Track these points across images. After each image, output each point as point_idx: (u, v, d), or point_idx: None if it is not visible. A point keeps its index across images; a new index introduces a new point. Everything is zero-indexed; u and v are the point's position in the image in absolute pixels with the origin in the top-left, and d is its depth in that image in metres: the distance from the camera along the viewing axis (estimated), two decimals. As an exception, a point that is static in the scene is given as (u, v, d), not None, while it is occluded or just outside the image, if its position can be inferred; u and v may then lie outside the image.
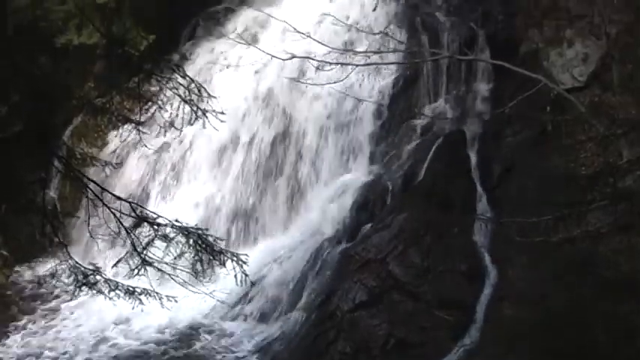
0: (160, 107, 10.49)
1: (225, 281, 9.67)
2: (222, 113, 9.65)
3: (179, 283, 9.35)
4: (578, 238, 11.71)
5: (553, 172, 13.72)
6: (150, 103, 10.82)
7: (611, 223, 10.93)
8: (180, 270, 9.28)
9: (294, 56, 11.13)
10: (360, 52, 12.33)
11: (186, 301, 10.38)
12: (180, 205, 16.92)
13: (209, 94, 9.46)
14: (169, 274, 9.30)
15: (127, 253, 9.24)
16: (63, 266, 9.21)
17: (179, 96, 9.33)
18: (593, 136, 12.46)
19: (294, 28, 10.99)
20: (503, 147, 15.33)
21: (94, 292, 9.39)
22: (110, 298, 9.44)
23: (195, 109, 9.43)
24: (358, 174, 16.39)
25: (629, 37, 11.66)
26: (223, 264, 9.31)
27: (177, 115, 15.31)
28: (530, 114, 13.91)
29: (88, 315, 15.31)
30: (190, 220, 14.23)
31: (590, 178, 12.53)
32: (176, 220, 9.19)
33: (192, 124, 16.88)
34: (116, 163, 13.50)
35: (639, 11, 10.80)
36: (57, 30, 18.60)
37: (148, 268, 9.25)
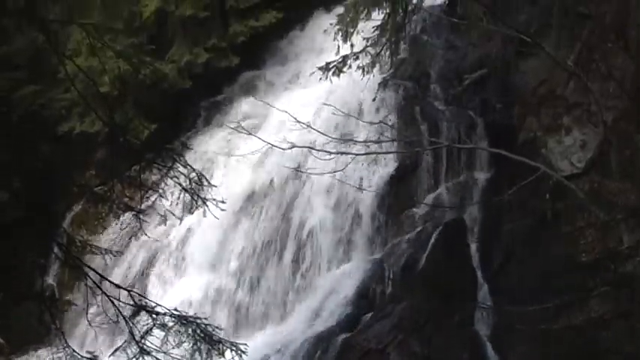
0: (161, 196, 10.53)
1: (225, 371, 9.55)
2: (223, 202, 9.69)
3: (177, 373, 9.24)
4: (581, 325, 11.63)
5: (554, 259, 13.69)
6: (150, 192, 10.85)
7: (613, 309, 10.87)
8: (179, 360, 9.18)
9: (294, 146, 11.22)
10: (360, 142, 12.41)
11: (184, 391, 10.23)
12: (180, 293, 16.83)
13: (210, 183, 9.51)
14: (167, 364, 9.20)
15: (124, 341, 9.15)
16: (60, 354, 9.11)
17: (180, 185, 9.36)
18: (593, 222, 12.47)
19: (295, 118, 11.09)
20: (503, 235, 15.32)
21: (91, 381, 9.28)
22: (107, 387, 9.32)
23: (195, 198, 9.46)
24: (358, 262, 16.32)
25: (626, 123, 11.76)
26: (222, 354, 9.22)
27: (177, 204, 15.40)
28: (530, 201, 13.93)
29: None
30: (189, 308, 14.20)
31: (591, 265, 12.51)
32: (175, 309, 9.12)
33: (192, 213, 17.03)
34: (116, 251, 13.48)
35: (635, 98, 10.92)
36: (60, 118, 18.85)
37: (146, 357, 9.15)
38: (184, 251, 17.77)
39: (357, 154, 11.80)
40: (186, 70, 19.68)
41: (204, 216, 10.07)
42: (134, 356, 9.08)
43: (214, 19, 20.02)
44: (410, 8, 16.17)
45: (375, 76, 17.21)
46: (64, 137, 18.43)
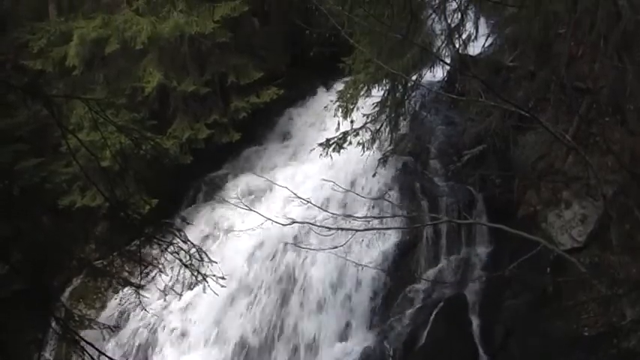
0: (161, 271, 10.50)
1: None
2: (223, 278, 9.68)
3: None
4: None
5: (556, 334, 13.61)
6: (150, 267, 10.83)
7: (618, 384, 10.78)
8: None
9: (294, 221, 11.21)
10: (360, 218, 12.45)
11: None
12: (179, 370, 16.69)
13: (210, 259, 9.51)
14: None
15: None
16: None
17: (180, 260, 9.36)
18: (595, 296, 12.44)
19: (295, 194, 11.12)
20: (504, 310, 15.26)
21: None
22: None
23: (195, 273, 9.45)
24: (359, 339, 16.19)
25: (625, 197, 11.82)
26: None
27: (177, 280, 15.33)
28: (531, 276, 13.91)
29: None
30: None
31: (594, 339, 12.42)
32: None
33: (192, 289, 16.95)
34: (114, 326, 13.39)
35: (633, 172, 11.03)
36: (61, 191, 18.88)
37: None
38: (184, 327, 17.61)
39: (357, 230, 11.78)
40: (188, 145, 19.80)
41: (204, 291, 10.04)
42: None
43: (215, 96, 20.23)
44: (409, 85, 16.35)
45: (375, 152, 17.32)
46: (64, 211, 18.44)
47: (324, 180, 15.57)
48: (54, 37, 20.35)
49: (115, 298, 18.06)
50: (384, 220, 14.63)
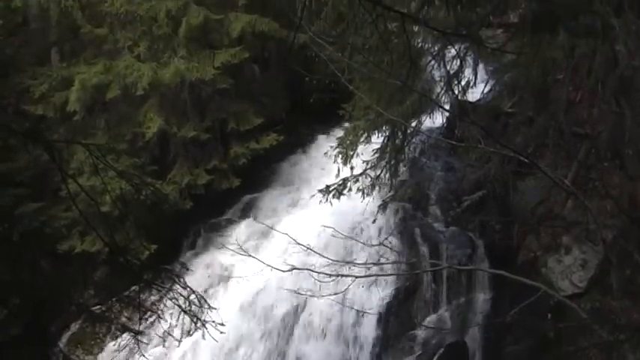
0: (160, 317, 10.48)
1: None
2: (222, 324, 9.64)
3: None
4: None
5: (557, 381, 13.55)
6: (149, 313, 10.80)
7: None
8: None
9: (294, 268, 11.18)
10: (360, 264, 12.40)
11: None
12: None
13: (209, 306, 9.49)
14: None
15: None
16: None
17: (179, 306, 9.35)
18: (596, 342, 12.37)
19: (295, 240, 11.09)
20: (505, 356, 15.20)
21: None
22: None
23: (194, 320, 9.43)
24: (360, 386, 16.12)
25: (625, 241, 11.83)
26: None
27: (176, 326, 15.25)
28: (531, 322, 13.86)
29: None
30: None
31: (597, 386, 12.33)
32: None
33: (191, 335, 16.87)
34: (113, 372, 13.32)
35: (632, 216, 11.04)
36: (60, 236, 18.85)
37: None
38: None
39: (357, 277, 11.75)
40: (187, 191, 19.83)
41: (204, 338, 10.00)
42: None
43: (215, 141, 20.30)
44: (409, 131, 16.40)
45: (375, 198, 17.32)
46: (63, 255, 18.40)
47: (324, 226, 15.60)
48: (55, 83, 20.45)
49: (114, 344, 17.96)
50: (384, 266, 14.59)
